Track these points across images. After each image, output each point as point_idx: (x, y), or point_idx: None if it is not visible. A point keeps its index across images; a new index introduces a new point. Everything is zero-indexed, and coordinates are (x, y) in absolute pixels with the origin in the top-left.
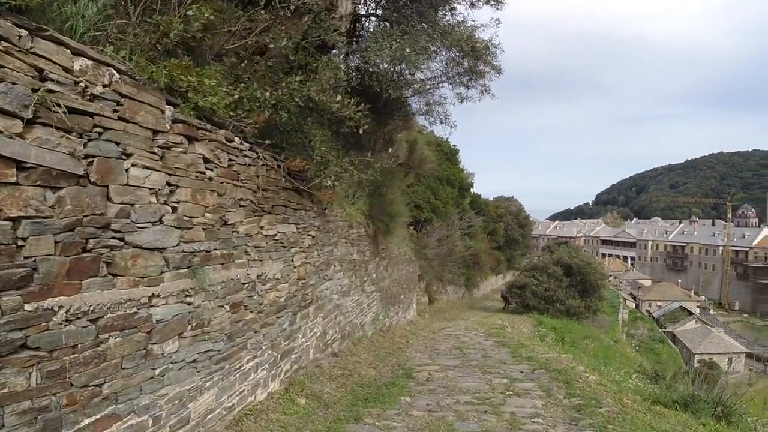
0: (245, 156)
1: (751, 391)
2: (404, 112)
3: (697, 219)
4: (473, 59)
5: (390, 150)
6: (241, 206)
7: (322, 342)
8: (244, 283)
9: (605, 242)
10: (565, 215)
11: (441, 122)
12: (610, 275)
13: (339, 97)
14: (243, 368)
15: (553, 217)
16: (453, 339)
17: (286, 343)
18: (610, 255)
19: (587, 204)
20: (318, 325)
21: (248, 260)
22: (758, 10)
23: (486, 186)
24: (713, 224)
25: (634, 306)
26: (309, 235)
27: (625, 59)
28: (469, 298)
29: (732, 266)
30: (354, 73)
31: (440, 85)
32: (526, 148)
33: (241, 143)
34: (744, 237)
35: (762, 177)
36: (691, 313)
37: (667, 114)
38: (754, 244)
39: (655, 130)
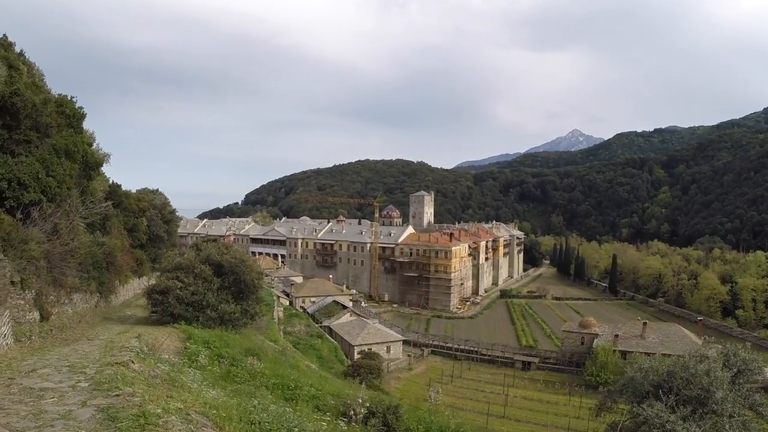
0: None
1: (412, 374)
2: None
3: (344, 218)
4: None
5: None
6: None
7: None
8: None
9: (255, 240)
10: (215, 214)
11: None
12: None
13: None
14: None
15: (203, 216)
16: (24, 406)
17: None
18: (261, 253)
19: (237, 204)
20: None
21: None
22: (401, 46)
23: (133, 184)
24: (360, 223)
25: (288, 303)
26: None
27: (283, 66)
28: (105, 307)
29: (380, 261)
30: None
31: None
32: (178, 148)
33: None
34: (390, 235)
35: (403, 183)
36: (344, 307)
37: (317, 122)
38: (399, 241)
39: (304, 136)
